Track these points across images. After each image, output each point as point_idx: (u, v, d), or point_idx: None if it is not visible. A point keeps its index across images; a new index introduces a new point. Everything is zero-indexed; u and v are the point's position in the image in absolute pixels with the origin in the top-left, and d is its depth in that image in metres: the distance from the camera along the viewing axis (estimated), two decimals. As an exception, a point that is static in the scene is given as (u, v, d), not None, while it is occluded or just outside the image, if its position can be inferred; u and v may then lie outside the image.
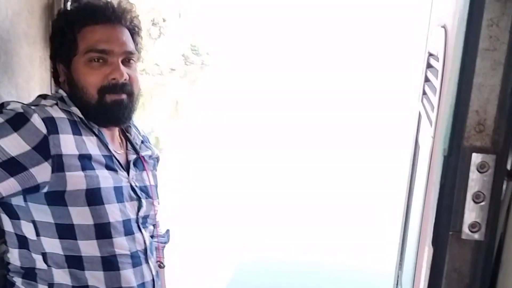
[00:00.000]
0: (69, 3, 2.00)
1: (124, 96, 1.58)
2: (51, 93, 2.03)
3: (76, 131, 1.51)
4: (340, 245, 8.08)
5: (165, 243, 1.88)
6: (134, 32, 1.66)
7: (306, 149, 14.93)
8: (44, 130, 1.41)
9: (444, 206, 1.20)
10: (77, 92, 1.56)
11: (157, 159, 1.84)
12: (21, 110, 1.41)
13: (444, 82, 1.31)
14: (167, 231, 1.92)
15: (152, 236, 1.74)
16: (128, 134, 1.74)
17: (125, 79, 1.56)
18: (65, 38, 1.57)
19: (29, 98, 1.88)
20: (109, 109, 1.57)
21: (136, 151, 1.71)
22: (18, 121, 1.39)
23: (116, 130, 1.69)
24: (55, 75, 1.64)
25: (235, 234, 7.50)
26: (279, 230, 8.16)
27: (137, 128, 1.79)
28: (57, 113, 1.49)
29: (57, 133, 1.44)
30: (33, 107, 1.45)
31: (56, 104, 1.53)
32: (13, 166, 1.37)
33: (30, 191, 1.42)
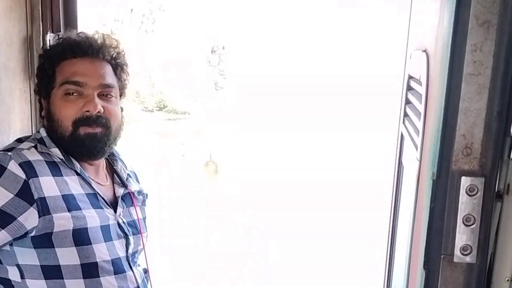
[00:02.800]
0: (48, 36, 1.99)
1: (98, 130, 1.56)
2: (32, 124, 2.01)
3: (55, 172, 1.49)
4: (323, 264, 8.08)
5: None
6: (117, 67, 1.65)
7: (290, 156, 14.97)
8: (22, 175, 1.39)
9: (434, 229, 1.21)
10: (53, 124, 1.55)
11: (146, 195, 1.82)
12: None
13: (429, 106, 1.33)
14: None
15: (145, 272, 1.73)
16: (115, 167, 1.73)
17: (98, 112, 1.54)
18: (45, 72, 1.58)
19: (10, 130, 1.87)
20: (81, 141, 1.54)
21: (124, 184, 1.70)
22: None
23: (101, 163, 1.67)
24: (41, 109, 1.63)
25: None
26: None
27: (123, 162, 1.77)
28: (33, 156, 1.46)
29: (36, 176, 1.42)
30: (9, 153, 1.42)
31: (34, 146, 1.51)
32: (1, 218, 1.36)
33: (18, 238, 1.41)
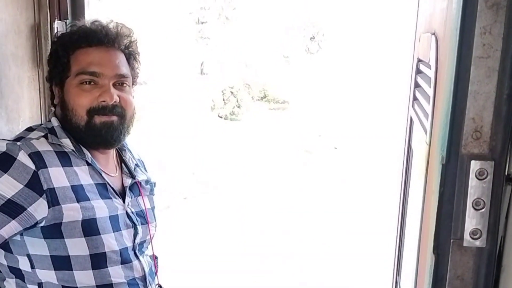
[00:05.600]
0: (55, 23, 1.99)
1: (114, 118, 1.56)
2: (41, 112, 2.02)
3: (65, 163, 1.49)
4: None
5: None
6: (130, 56, 1.65)
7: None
8: (32, 166, 1.40)
9: (444, 214, 1.20)
10: (67, 114, 1.55)
11: (154, 184, 1.83)
12: (5, 149, 1.40)
13: (438, 90, 1.32)
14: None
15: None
16: (123, 157, 1.73)
17: (115, 102, 1.55)
18: (59, 61, 1.56)
19: (19, 118, 1.88)
20: (98, 130, 1.55)
21: (132, 174, 1.70)
22: (5, 161, 1.38)
23: (111, 153, 1.67)
24: (52, 97, 1.63)
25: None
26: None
27: (131, 152, 1.78)
28: (43, 146, 1.46)
29: (46, 167, 1.42)
30: (18, 143, 1.43)
31: (44, 136, 1.51)
32: (12, 208, 1.37)
33: (29, 228, 1.42)
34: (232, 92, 24.52)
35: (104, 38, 1.57)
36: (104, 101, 1.53)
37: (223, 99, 24.62)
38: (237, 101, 24.46)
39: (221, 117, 24.67)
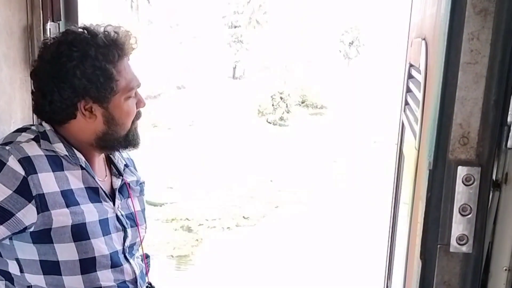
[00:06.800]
0: (48, 24, 1.98)
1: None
2: (33, 114, 2.01)
3: (56, 168, 1.48)
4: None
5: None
6: None
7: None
8: (22, 171, 1.39)
9: (431, 219, 1.20)
10: (113, 128, 1.55)
11: (143, 183, 1.82)
12: None
13: (427, 95, 1.32)
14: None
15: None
16: (112, 157, 1.72)
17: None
18: (103, 73, 1.48)
19: (11, 120, 1.87)
20: (135, 136, 1.61)
21: (121, 174, 1.70)
22: None
23: (102, 156, 1.67)
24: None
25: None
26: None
27: (120, 152, 1.77)
28: (33, 150, 1.45)
29: (35, 172, 1.42)
30: (7, 148, 1.42)
31: (34, 139, 1.49)
32: (0, 213, 1.37)
33: (17, 232, 1.42)
34: (281, 97, 24.65)
35: (130, 49, 1.56)
36: (140, 109, 1.60)
37: (272, 104, 24.77)
38: (287, 106, 24.63)
39: (269, 123, 24.85)
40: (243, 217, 15.96)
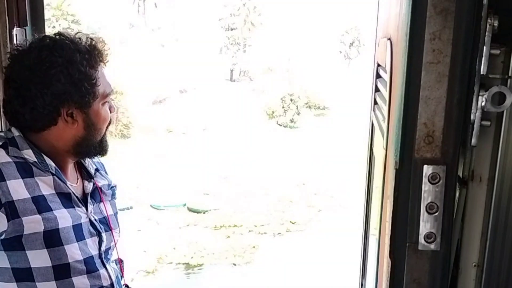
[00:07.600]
0: (14, 30, 1.95)
1: None
2: (1, 120, 1.97)
3: (26, 174, 1.46)
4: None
5: None
6: None
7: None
8: None
9: (399, 218, 1.21)
10: (92, 133, 1.55)
11: (115, 187, 1.81)
12: None
13: (393, 94, 1.33)
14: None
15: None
16: (82, 162, 1.70)
17: None
18: (86, 77, 1.49)
19: (-23, 129, 1.84)
20: (107, 141, 1.63)
21: (91, 177, 1.68)
22: None
23: (72, 162, 1.65)
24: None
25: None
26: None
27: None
28: (0, 157, 1.43)
29: (4, 180, 1.40)
30: None
31: (2, 146, 1.46)
32: None
33: None
34: (292, 99, 24.67)
35: (106, 53, 1.57)
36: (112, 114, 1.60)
37: (283, 107, 24.79)
38: (297, 108, 24.67)
39: (280, 125, 24.86)
40: (290, 222, 16.17)
